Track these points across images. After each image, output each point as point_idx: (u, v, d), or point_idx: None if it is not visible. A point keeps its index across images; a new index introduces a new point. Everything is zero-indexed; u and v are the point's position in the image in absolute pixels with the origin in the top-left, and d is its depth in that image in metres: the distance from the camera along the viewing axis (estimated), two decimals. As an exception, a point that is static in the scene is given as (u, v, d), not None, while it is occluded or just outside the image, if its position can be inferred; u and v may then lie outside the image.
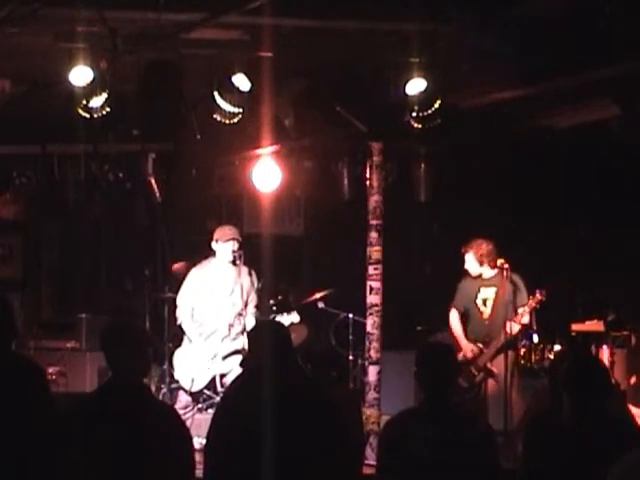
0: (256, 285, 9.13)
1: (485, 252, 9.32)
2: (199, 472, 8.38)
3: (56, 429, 4.85)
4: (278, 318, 9.63)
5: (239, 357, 8.76)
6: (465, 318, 9.55)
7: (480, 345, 9.37)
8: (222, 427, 5.34)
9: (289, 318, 9.61)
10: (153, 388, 10.59)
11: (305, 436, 5.16)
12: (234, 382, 6.49)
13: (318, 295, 10.87)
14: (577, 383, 5.06)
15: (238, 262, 8.95)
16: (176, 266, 10.26)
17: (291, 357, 5.35)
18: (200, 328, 8.98)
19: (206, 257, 9.21)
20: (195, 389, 8.88)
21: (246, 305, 8.96)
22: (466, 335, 9.46)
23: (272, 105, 8.89)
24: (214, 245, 9.07)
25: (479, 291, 9.45)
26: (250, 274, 9.05)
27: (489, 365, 9.33)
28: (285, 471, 5.06)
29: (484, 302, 9.45)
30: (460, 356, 9.12)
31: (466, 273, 9.51)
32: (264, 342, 5.33)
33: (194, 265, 9.33)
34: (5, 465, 4.86)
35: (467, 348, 9.30)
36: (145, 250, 12.12)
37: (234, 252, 8.98)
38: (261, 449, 5.01)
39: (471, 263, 9.39)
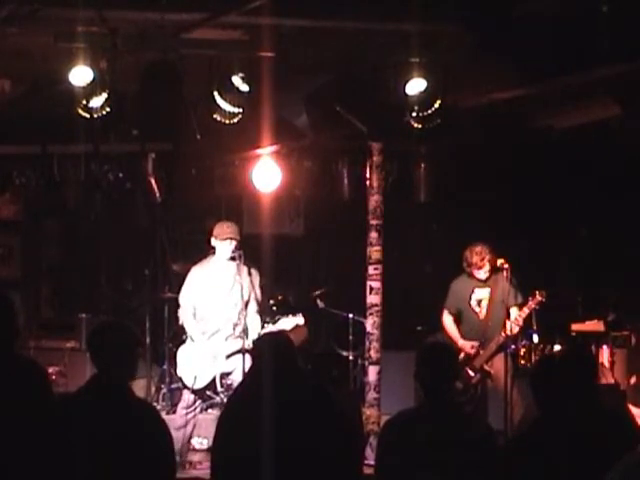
0: (257, 282, 9.07)
1: (493, 256, 9.28)
2: (197, 472, 8.53)
3: (54, 429, 4.86)
4: (283, 320, 9.62)
5: (242, 356, 8.75)
6: (458, 319, 9.53)
7: (476, 346, 9.37)
8: (227, 430, 5.34)
9: (294, 320, 9.60)
10: (153, 388, 10.62)
11: (307, 437, 5.16)
12: (240, 383, 6.51)
13: (317, 292, 10.89)
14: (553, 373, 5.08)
15: (238, 262, 8.91)
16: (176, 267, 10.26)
17: (293, 364, 5.35)
18: (203, 327, 8.95)
19: (206, 256, 9.18)
20: (197, 387, 8.85)
21: (246, 305, 8.94)
22: (461, 336, 9.44)
23: (274, 105, 8.89)
24: (213, 241, 9.02)
25: (473, 292, 9.43)
26: (250, 274, 9.01)
27: (485, 366, 9.32)
28: (287, 470, 5.07)
29: (478, 303, 9.43)
30: (461, 356, 9.12)
31: (461, 273, 9.49)
32: (266, 354, 5.35)
33: (194, 264, 9.29)
34: (7, 466, 4.86)
35: (466, 346, 9.29)
36: (145, 250, 12.12)
37: (232, 253, 8.92)
38: (262, 450, 5.02)
39: (488, 269, 9.33)
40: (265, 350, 5.41)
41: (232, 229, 9.01)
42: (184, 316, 9.05)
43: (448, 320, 9.53)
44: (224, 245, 8.92)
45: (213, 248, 9.02)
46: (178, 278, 9.78)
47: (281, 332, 7.36)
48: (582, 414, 4.95)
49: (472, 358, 9.32)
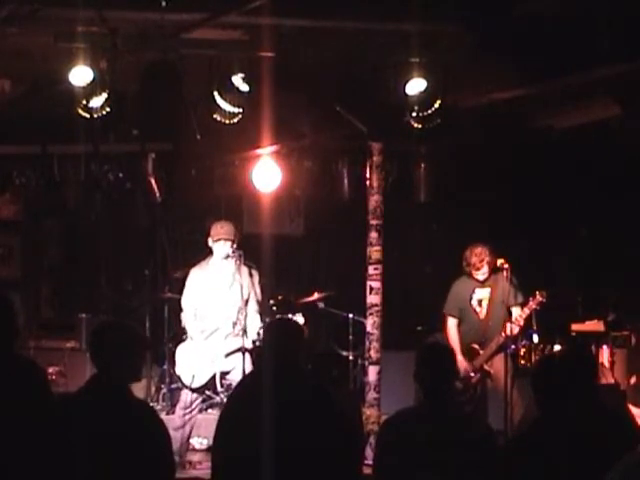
0: (257, 282, 9.06)
1: (493, 257, 9.27)
2: (197, 472, 8.53)
3: (54, 429, 4.86)
4: (283, 318, 9.61)
5: (241, 355, 8.75)
6: (460, 320, 9.52)
7: (476, 346, 9.36)
8: (227, 430, 5.35)
9: (294, 319, 9.59)
10: (153, 388, 10.63)
11: (307, 436, 5.16)
12: (240, 382, 6.51)
13: (316, 295, 10.87)
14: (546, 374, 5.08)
15: (238, 262, 8.91)
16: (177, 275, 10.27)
17: (292, 357, 5.36)
18: (202, 325, 8.95)
19: (205, 257, 9.18)
20: (196, 385, 8.85)
21: (246, 304, 8.93)
22: (461, 337, 9.41)
23: (274, 105, 8.89)
24: (209, 242, 9.02)
25: (474, 292, 9.42)
26: (251, 274, 9.00)
27: (485, 366, 9.32)
28: (287, 470, 5.07)
29: (479, 303, 9.42)
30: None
31: (461, 274, 9.48)
32: (268, 342, 5.35)
33: (193, 266, 9.29)
34: (7, 466, 4.86)
35: (460, 365, 9.00)
36: (145, 250, 12.12)
37: (231, 253, 8.90)
38: (263, 449, 5.03)
39: (487, 271, 9.33)
40: (266, 347, 5.41)
41: (226, 229, 8.98)
42: (186, 319, 9.05)
43: (452, 327, 9.43)
44: (218, 246, 8.93)
45: (211, 248, 9.04)
46: (178, 281, 9.78)
47: (289, 320, 7.33)
48: (582, 414, 4.95)
49: (472, 358, 9.32)
